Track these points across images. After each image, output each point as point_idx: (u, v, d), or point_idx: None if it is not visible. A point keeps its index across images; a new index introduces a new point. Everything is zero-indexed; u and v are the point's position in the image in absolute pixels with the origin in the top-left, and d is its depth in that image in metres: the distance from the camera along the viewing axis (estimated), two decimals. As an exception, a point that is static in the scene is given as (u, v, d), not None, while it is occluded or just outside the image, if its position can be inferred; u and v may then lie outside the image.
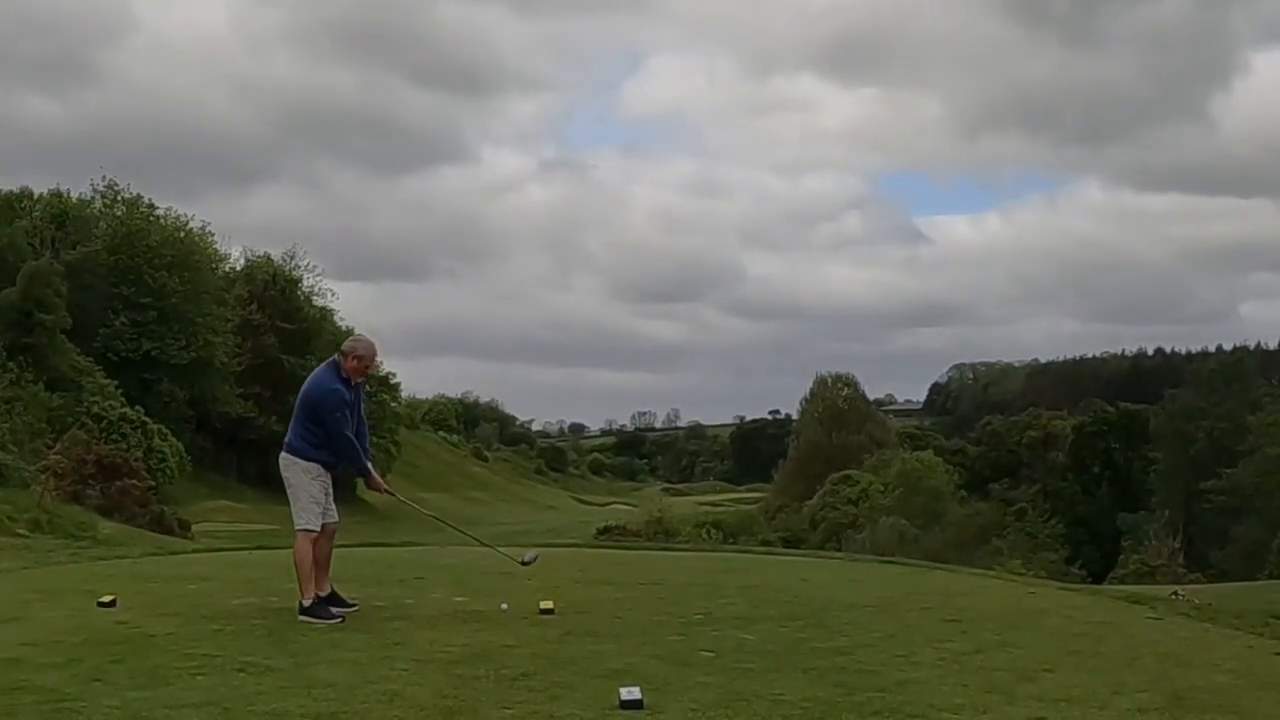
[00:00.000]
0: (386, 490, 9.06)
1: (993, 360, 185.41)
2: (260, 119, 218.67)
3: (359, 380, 8.55)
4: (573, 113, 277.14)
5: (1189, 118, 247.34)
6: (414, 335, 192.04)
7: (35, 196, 61.17)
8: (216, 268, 65.26)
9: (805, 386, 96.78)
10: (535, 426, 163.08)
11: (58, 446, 29.39)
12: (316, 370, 8.68)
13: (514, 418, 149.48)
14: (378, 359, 8.94)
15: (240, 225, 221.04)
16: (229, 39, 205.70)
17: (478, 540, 9.05)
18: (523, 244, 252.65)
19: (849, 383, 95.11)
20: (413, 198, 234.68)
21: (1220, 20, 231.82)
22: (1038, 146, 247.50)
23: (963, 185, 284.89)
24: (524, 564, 8.85)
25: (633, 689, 5.79)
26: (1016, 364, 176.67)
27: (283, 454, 8.45)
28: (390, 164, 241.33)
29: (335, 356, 8.59)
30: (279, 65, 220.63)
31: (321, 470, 8.39)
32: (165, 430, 48.71)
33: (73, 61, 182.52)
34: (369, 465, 8.61)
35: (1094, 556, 57.69)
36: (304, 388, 8.53)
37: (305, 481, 8.35)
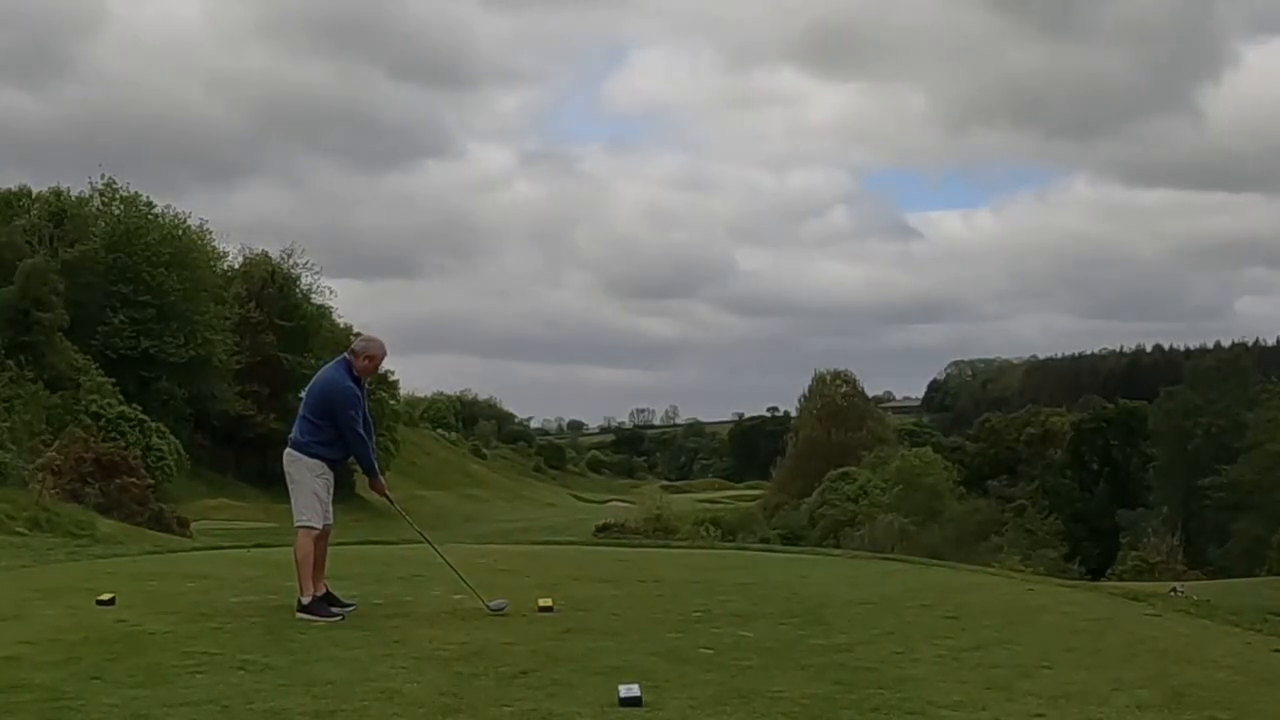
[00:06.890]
0: (386, 496, 9.05)
1: (991, 357, 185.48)
2: (238, 114, 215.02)
3: (366, 380, 8.62)
4: (556, 107, 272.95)
5: (1178, 111, 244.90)
6: (407, 332, 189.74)
7: (33, 195, 61.19)
8: (214, 265, 65.24)
9: (802, 383, 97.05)
10: (533, 424, 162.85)
11: (56, 445, 29.42)
12: (326, 368, 8.68)
13: (512, 415, 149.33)
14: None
15: (224, 222, 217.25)
16: (203, 32, 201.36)
17: (455, 571, 8.93)
18: (512, 239, 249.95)
19: (848, 380, 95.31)
20: (397, 193, 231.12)
21: (1207, 11, 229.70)
22: (1026, 140, 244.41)
23: (951, 180, 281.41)
24: (490, 609, 8.46)
25: (632, 686, 5.79)
26: (1015, 360, 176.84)
27: (287, 450, 8.46)
28: (372, 159, 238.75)
29: (346, 355, 8.59)
30: (254, 59, 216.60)
31: (326, 468, 8.41)
32: (164, 428, 48.81)
33: (45, 54, 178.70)
34: (376, 465, 8.65)
35: (1092, 553, 57.66)
36: (314, 385, 8.54)
37: (309, 478, 8.35)
